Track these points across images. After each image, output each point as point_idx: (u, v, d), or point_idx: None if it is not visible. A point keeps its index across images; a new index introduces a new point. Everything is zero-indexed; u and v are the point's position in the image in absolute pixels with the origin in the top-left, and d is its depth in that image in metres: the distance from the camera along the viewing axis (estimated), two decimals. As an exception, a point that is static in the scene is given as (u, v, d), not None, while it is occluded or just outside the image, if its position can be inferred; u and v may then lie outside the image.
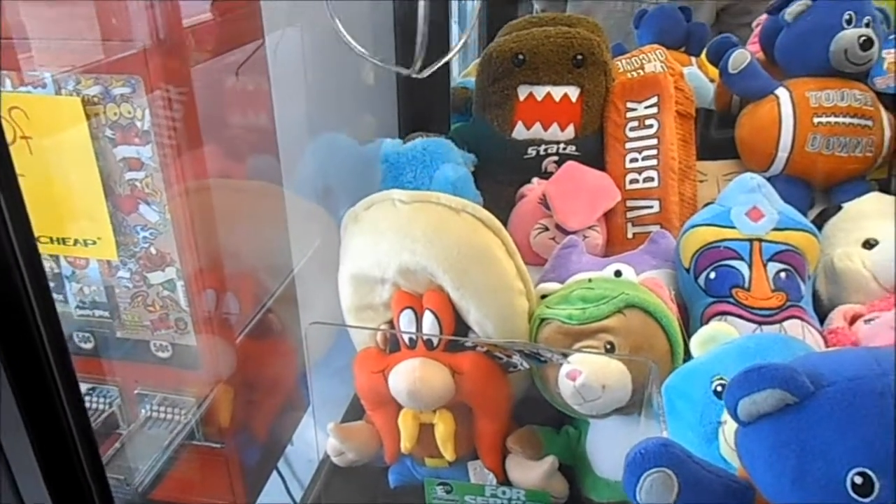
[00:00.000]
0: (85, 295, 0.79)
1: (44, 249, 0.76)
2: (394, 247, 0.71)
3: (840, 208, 0.81)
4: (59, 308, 0.79)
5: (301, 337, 0.86)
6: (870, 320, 0.68)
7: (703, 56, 1.28)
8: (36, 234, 0.71)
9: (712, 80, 1.13)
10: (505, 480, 0.73)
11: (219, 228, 0.80)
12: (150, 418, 0.82)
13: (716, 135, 0.96)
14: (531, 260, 0.89)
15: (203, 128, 0.84)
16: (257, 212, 0.82)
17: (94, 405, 0.81)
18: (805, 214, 0.87)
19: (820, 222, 0.81)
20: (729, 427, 0.51)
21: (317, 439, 0.80)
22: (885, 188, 0.87)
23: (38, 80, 0.69)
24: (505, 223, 0.92)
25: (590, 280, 0.72)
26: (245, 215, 0.81)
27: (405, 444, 0.73)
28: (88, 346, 0.81)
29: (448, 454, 0.72)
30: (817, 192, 0.89)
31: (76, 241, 0.75)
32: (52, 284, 0.78)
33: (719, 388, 0.53)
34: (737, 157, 0.95)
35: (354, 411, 0.87)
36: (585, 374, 0.63)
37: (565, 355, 0.66)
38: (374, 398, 0.75)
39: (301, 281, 0.86)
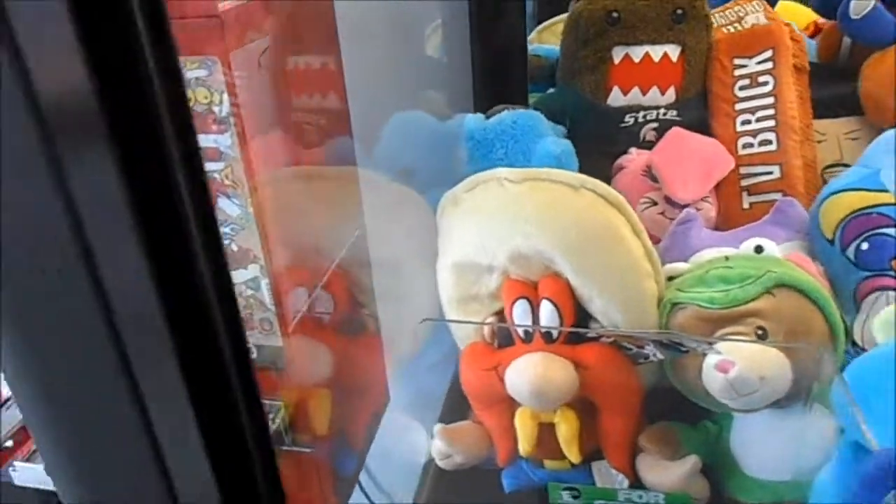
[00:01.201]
0: (163, 298, 0.74)
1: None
2: (504, 230, 0.64)
3: None
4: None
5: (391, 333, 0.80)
6: None
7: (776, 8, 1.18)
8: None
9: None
10: (636, 482, 0.67)
11: (304, 221, 0.74)
12: (235, 425, 0.76)
13: (824, 90, 0.87)
14: (638, 237, 0.81)
15: (277, 113, 0.78)
16: (345, 200, 0.75)
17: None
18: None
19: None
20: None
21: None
22: None
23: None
24: (601, 199, 0.85)
25: (727, 258, 0.64)
26: (331, 205, 0.75)
27: (524, 447, 0.66)
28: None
29: (573, 456, 0.66)
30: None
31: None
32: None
33: (928, 380, 0.45)
34: (854, 113, 0.85)
35: (452, 410, 0.81)
36: (740, 365, 0.56)
37: (712, 344, 0.58)
38: (485, 397, 0.69)
39: (391, 271, 0.79)
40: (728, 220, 0.80)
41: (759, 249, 0.64)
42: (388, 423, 0.83)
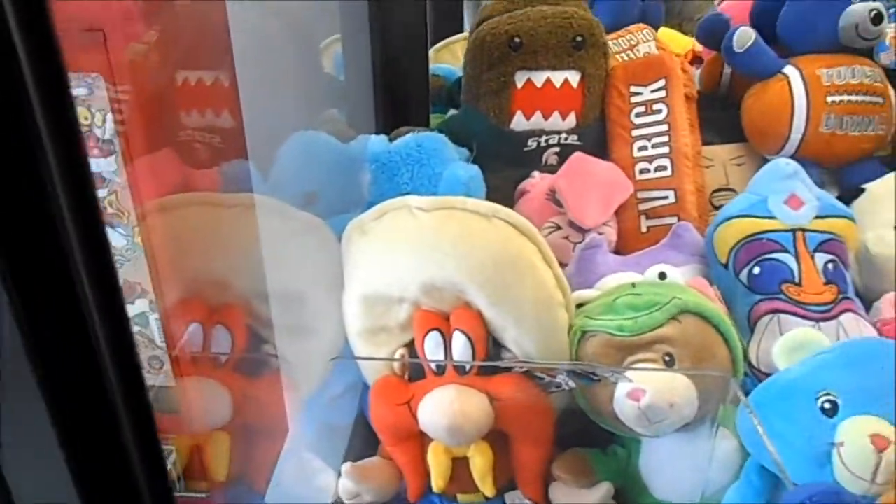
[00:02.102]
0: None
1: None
2: (417, 262, 0.62)
3: (862, 190, 0.78)
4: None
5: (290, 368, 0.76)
6: (921, 308, 0.65)
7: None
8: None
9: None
10: (550, 511, 0.66)
11: (198, 251, 0.69)
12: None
13: (715, 117, 0.92)
14: (542, 261, 0.82)
15: (166, 132, 0.72)
16: (242, 228, 0.71)
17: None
18: (818, 197, 0.84)
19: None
20: (850, 450, 0.45)
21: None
22: (891, 165, 0.85)
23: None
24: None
25: (633, 285, 0.65)
26: (228, 233, 0.70)
27: (438, 483, 0.65)
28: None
29: (487, 490, 0.65)
30: (827, 173, 0.86)
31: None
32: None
33: (827, 405, 0.47)
34: (738, 139, 0.90)
35: (358, 445, 0.77)
36: (650, 393, 0.57)
37: (622, 373, 0.59)
38: (397, 432, 0.66)
39: (293, 302, 0.75)
40: (627, 244, 0.82)
41: (662, 276, 0.66)
42: (290, 462, 0.78)
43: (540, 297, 0.62)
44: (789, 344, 0.53)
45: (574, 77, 0.84)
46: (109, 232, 0.64)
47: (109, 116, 0.57)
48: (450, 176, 0.72)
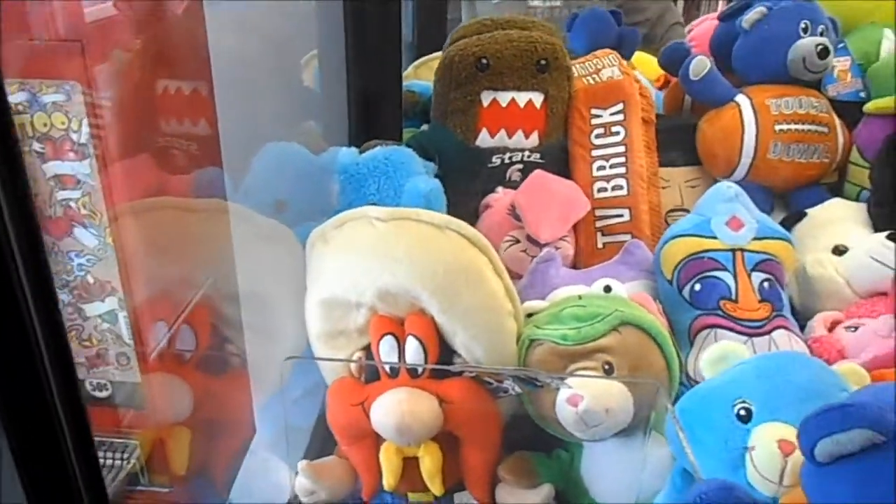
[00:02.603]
0: (4, 331, 0.69)
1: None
2: (372, 269, 0.66)
3: (804, 214, 0.82)
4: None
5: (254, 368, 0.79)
6: (850, 327, 0.69)
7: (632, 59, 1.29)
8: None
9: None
10: (496, 511, 0.69)
11: (168, 253, 0.72)
12: (86, 465, 0.72)
13: (673, 139, 0.96)
14: (501, 273, 0.85)
15: (143, 138, 0.75)
16: (210, 232, 0.74)
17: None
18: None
19: (785, 228, 0.82)
20: (760, 453, 0.49)
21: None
22: (836, 192, 0.90)
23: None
24: (469, 234, 0.88)
25: (580, 297, 0.69)
26: (198, 237, 0.73)
27: (389, 482, 0.68)
28: (10, 388, 0.71)
29: (436, 489, 0.68)
30: (776, 197, 0.90)
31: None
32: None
33: (742, 412, 0.51)
34: (695, 162, 0.95)
35: (319, 445, 0.80)
36: (587, 399, 0.60)
37: (563, 379, 0.62)
38: (351, 432, 0.69)
39: (258, 305, 0.78)
40: (584, 258, 0.86)
41: (607, 289, 0.69)
42: (251, 460, 0.81)
43: (489, 305, 0.66)
44: (713, 356, 0.57)
45: (537, 98, 0.88)
46: (82, 231, 0.67)
47: (85, 122, 0.60)
48: (411, 188, 0.76)
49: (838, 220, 0.80)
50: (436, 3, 1.69)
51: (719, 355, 0.57)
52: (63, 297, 0.67)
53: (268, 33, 0.94)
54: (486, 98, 0.87)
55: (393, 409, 0.63)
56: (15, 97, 0.60)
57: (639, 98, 0.88)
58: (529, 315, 0.71)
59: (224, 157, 0.80)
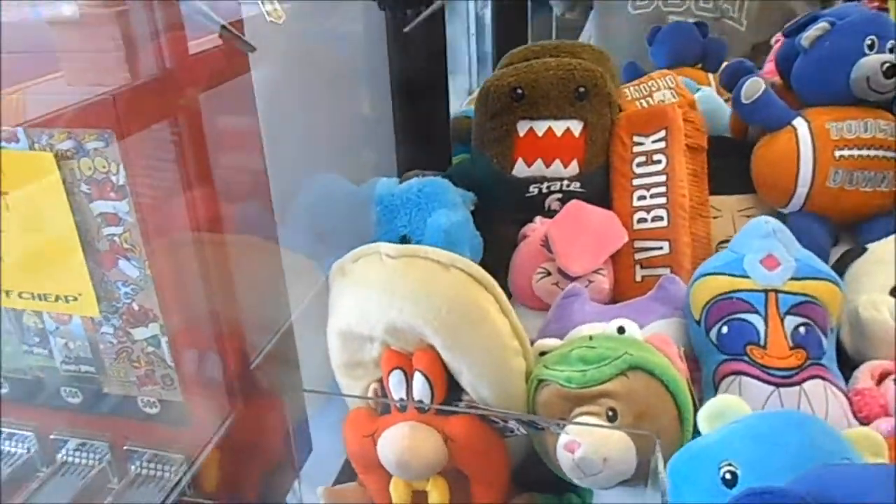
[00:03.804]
0: (70, 350, 0.77)
1: (26, 305, 0.74)
2: (381, 304, 0.67)
3: (865, 249, 0.75)
4: (45, 363, 0.77)
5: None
6: (900, 379, 0.62)
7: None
8: (17, 290, 0.69)
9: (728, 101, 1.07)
10: (505, 551, 0.69)
11: (202, 284, 0.77)
12: (139, 475, 0.79)
13: (733, 165, 0.90)
14: (535, 305, 0.84)
15: (186, 174, 0.80)
16: (245, 266, 0.78)
17: (83, 461, 0.79)
18: (829, 253, 0.81)
19: (843, 265, 0.75)
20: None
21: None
22: (913, 224, 0.81)
23: (11, 135, 0.67)
24: (508, 265, 0.88)
25: (591, 338, 0.67)
26: (231, 270, 0.78)
27: (398, 513, 0.69)
28: (76, 400, 0.79)
29: (443, 524, 0.68)
30: (842, 229, 0.82)
31: (57, 298, 0.73)
32: (37, 339, 0.77)
33: (728, 476, 0.47)
34: (751, 190, 0.89)
35: (350, 470, 0.83)
36: (584, 446, 0.58)
37: (561, 425, 0.61)
38: (364, 462, 0.71)
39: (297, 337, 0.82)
40: (622, 292, 0.83)
41: (621, 330, 0.67)
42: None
43: (493, 344, 0.65)
44: (710, 410, 0.53)
45: (576, 126, 0.86)
46: (125, 264, 0.74)
47: (122, 166, 0.67)
48: (432, 223, 0.76)
49: (903, 257, 0.72)
50: (516, 21, 1.69)
51: (717, 410, 0.53)
52: (114, 321, 0.74)
53: (316, 61, 0.98)
54: (522, 128, 0.87)
55: (394, 444, 0.64)
56: (63, 144, 0.67)
57: (682, 124, 0.84)
58: (544, 353, 0.69)
59: (274, 190, 0.84)
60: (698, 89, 1.15)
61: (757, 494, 0.32)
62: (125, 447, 0.79)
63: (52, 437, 0.79)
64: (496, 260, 0.88)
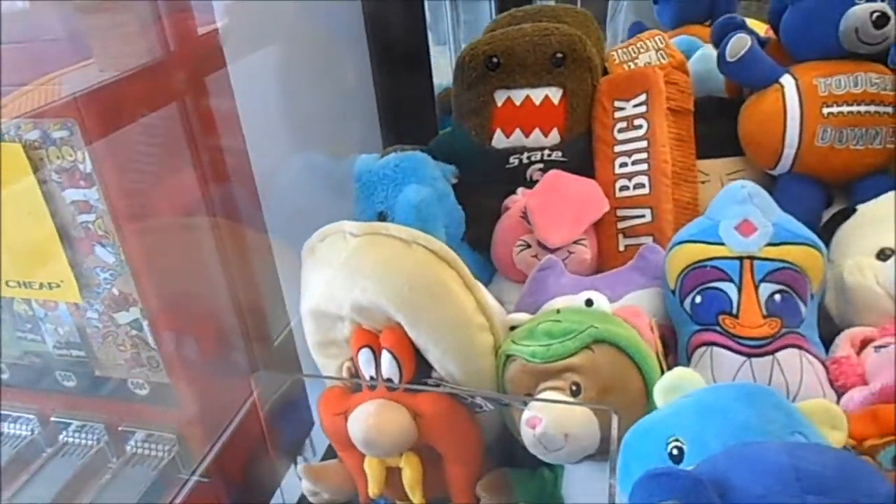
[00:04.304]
0: (60, 335, 0.79)
1: (14, 293, 0.76)
2: (345, 284, 0.67)
3: (854, 210, 0.71)
4: (38, 347, 0.79)
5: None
6: (880, 347, 0.59)
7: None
8: (4, 278, 0.70)
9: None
10: (480, 525, 0.69)
11: (178, 268, 0.78)
12: (135, 454, 0.81)
13: (722, 127, 0.86)
14: (517, 277, 0.83)
15: (165, 160, 0.80)
16: (226, 249, 0.79)
17: (83, 441, 0.82)
18: (820, 216, 0.78)
19: (832, 227, 0.72)
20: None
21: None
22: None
23: (-21, 127, 0.68)
24: (491, 238, 0.86)
25: (558, 311, 0.66)
26: (209, 253, 0.78)
27: (372, 490, 0.69)
28: (70, 384, 0.81)
29: (416, 500, 0.68)
30: (837, 190, 0.79)
31: (41, 285, 0.74)
32: (28, 326, 0.79)
33: (675, 452, 0.46)
34: (739, 152, 0.85)
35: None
36: (545, 422, 0.57)
37: (524, 401, 0.60)
38: (338, 440, 0.71)
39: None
40: (605, 262, 0.81)
41: (589, 303, 0.65)
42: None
43: (457, 320, 0.64)
44: (666, 383, 0.52)
45: (555, 93, 0.84)
46: (101, 250, 0.75)
47: (87, 154, 0.67)
48: (402, 199, 0.75)
49: (891, 218, 0.68)
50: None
51: (672, 384, 0.51)
52: (97, 307, 0.75)
53: (298, 34, 0.96)
54: (500, 98, 0.84)
55: (361, 422, 0.64)
56: (30, 135, 0.68)
57: (663, 87, 0.81)
58: (513, 328, 0.68)
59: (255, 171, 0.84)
60: (700, 48, 1.10)
61: (653, 477, 0.30)
62: (120, 428, 0.81)
63: (53, 419, 0.81)
64: (480, 233, 0.87)
